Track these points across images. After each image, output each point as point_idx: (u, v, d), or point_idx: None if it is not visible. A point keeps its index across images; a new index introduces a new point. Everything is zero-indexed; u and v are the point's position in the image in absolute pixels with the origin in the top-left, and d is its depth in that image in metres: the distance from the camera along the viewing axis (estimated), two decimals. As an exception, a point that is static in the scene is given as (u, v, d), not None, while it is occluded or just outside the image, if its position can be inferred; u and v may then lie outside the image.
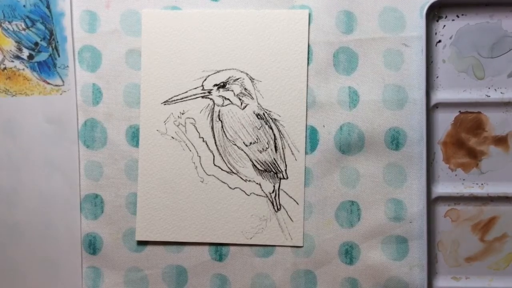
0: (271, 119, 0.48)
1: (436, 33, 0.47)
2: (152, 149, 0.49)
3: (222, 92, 0.48)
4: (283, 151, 0.48)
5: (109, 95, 0.49)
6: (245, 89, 0.48)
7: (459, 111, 0.47)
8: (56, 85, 0.49)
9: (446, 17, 0.47)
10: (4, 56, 0.49)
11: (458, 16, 0.47)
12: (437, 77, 0.47)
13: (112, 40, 0.49)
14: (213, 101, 0.48)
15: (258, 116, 0.48)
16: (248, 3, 0.48)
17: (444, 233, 0.47)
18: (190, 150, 0.49)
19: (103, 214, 0.49)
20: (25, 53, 0.49)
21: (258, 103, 0.48)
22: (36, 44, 0.49)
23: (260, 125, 0.48)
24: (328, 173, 0.48)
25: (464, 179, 0.47)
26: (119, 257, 0.49)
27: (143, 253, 0.49)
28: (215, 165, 0.48)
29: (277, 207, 0.48)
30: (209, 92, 0.48)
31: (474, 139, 0.47)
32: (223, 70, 0.48)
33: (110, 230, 0.49)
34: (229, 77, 0.48)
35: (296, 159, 0.48)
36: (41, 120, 0.49)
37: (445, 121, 0.47)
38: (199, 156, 0.49)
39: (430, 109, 0.47)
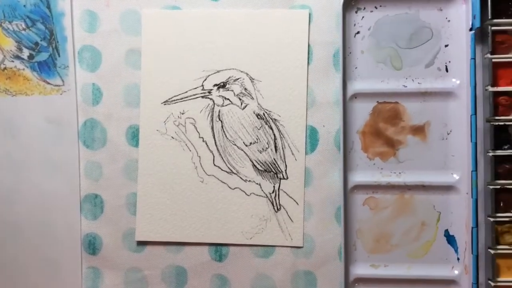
0: (271, 119, 0.48)
1: (355, 24, 0.47)
2: (152, 149, 0.49)
3: (222, 92, 0.48)
4: (283, 151, 0.48)
5: (109, 95, 0.49)
6: (245, 89, 0.48)
7: (377, 101, 0.47)
8: (56, 85, 0.49)
9: (364, 8, 0.47)
10: (4, 56, 0.49)
11: (376, 7, 0.47)
12: (356, 67, 0.47)
13: (112, 40, 0.49)
14: (213, 101, 0.48)
15: (258, 116, 0.48)
16: (248, 3, 0.48)
17: (362, 221, 0.47)
18: (190, 150, 0.49)
19: (103, 214, 0.49)
20: (25, 53, 0.49)
21: (258, 103, 0.48)
22: (36, 44, 0.49)
23: (260, 125, 0.48)
24: (328, 173, 0.48)
25: (382, 168, 0.47)
26: (119, 257, 0.49)
27: (143, 253, 0.49)
28: (215, 165, 0.48)
29: (277, 207, 0.48)
30: (209, 92, 0.48)
31: (392, 128, 0.47)
32: (223, 70, 0.48)
33: (110, 230, 0.49)
34: (229, 77, 0.48)
35: (296, 159, 0.48)
36: (41, 120, 0.49)
37: (363, 111, 0.47)
38: (199, 156, 0.48)
39: (349, 99, 0.47)
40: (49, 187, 0.49)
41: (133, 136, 0.49)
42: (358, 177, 0.47)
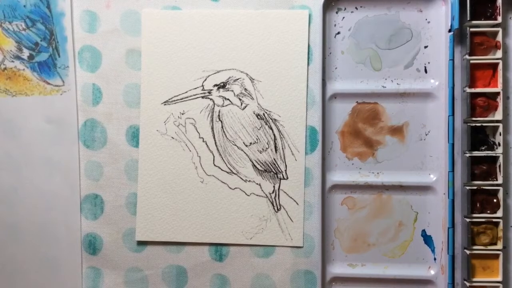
0: (271, 119, 0.48)
1: (335, 25, 0.47)
2: (152, 149, 0.49)
3: (222, 92, 0.48)
4: (283, 151, 0.48)
5: (109, 95, 0.49)
6: (245, 89, 0.48)
7: (357, 102, 0.47)
8: (56, 85, 0.49)
9: (345, 9, 0.47)
10: (5, 56, 0.49)
11: (357, 8, 0.47)
12: (336, 68, 0.47)
13: (112, 40, 0.49)
14: (213, 101, 0.48)
15: (258, 116, 0.48)
16: (248, 3, 0.48)
17: (340, 221, 0.48)
18: (190, 150, 0.49)
19: (103, 214, 0.49)
20: (25, 53, 0.49)
21: (258, 103, 0.48)
22: (36, 44, 0.49)
23: (260, 125, 0.48)
24: (328, 173, 0.48)
25: (360, 168, 0.48)
26: (119, 257, 0.49)
27: (143, 253, 0.49)
28: (215, 165, 0.48)
29: (277, 207, 0.48)
30: (209, 92, 0.48)
31: (371, 129, 0.47)
32: (223, 70, 0.48)
33: (110, 230, 0.49)
34: (229, 77, 0.48)
35: (296, 159, 0.48)
36: (41, 120, 0.49)
37: (342, 111, 0.48)
38: (199, 156, 0.49)
39: (328, 99, 0.47)
40: (49, 187, 0.49)
41: (133, 136, 0.49)
42: (337, 176, 0.48)
